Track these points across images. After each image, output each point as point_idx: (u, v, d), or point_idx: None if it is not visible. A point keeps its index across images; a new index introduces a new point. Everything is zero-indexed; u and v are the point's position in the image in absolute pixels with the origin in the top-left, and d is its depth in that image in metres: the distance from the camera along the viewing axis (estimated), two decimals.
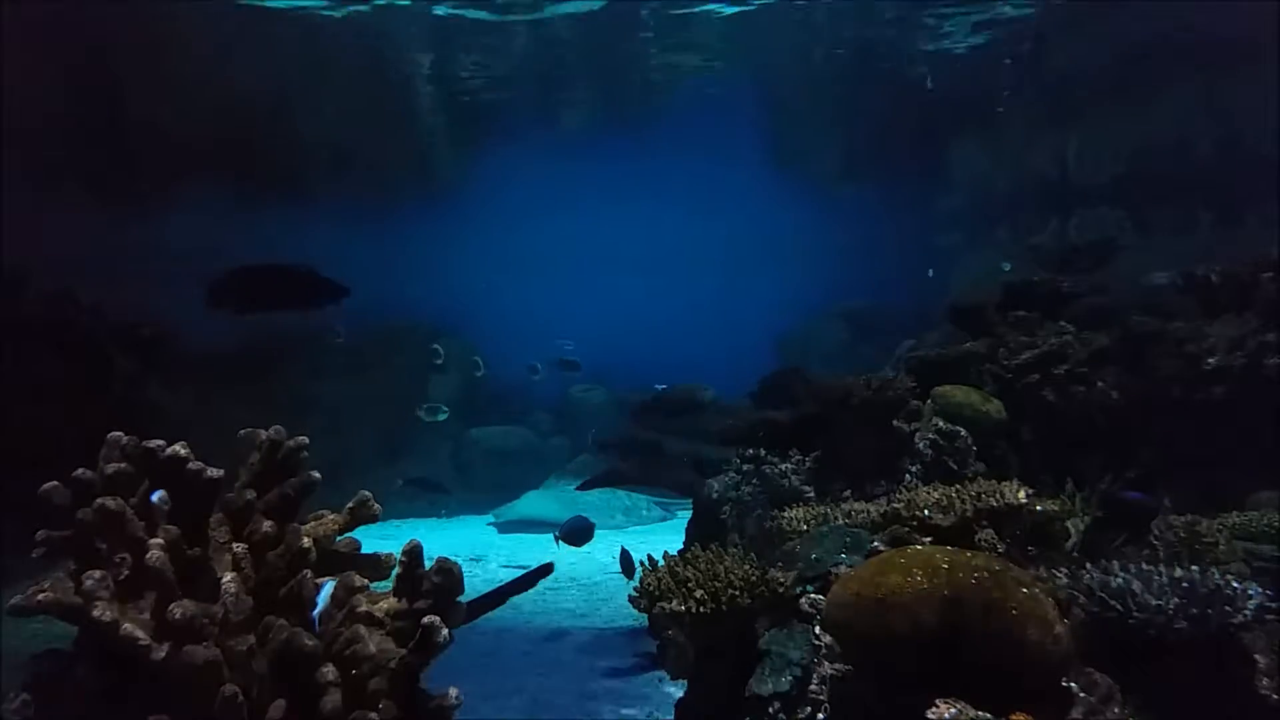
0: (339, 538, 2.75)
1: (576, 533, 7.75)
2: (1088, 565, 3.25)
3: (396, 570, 2.58)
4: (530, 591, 8.01)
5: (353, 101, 13.07)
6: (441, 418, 12.68)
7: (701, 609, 3.49)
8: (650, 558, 3.95)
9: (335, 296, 4.94)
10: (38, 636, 3.28)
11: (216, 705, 2.15)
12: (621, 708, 5.06)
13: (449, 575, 2.50)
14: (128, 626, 2.21)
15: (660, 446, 9.65)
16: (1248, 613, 2.84)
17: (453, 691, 2.42)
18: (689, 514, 11.72)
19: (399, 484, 11.38)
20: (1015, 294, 6.32)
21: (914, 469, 5.23)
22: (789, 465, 5.79)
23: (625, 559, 6.81)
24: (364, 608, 2.52)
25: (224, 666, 2.23)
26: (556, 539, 7.93)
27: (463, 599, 2.45)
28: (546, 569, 4.68)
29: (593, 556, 9.47)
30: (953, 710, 2.48)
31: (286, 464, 2.69)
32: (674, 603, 3.55)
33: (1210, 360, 5.53)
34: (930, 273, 11.39)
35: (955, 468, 5.11)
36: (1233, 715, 2.94)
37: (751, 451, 6.11)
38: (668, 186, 17.79)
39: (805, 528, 4.13)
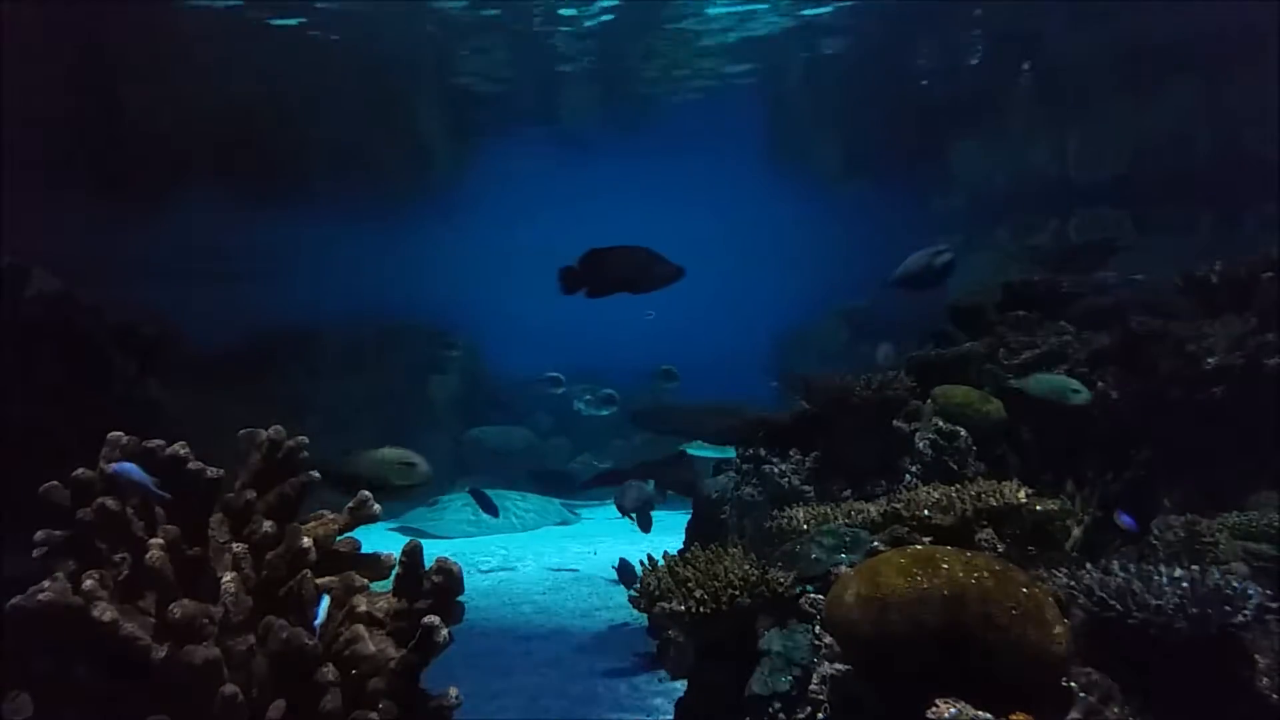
0: (339, 537, 2.75)
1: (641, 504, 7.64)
2: (1088, 565, 3.25)
3: (396, 570, 2.58)
4: (530, 591, 8.08)
5: (352, 101, 13.08)
6: (606, 412, 12.37)
7: (701, 609, 3.49)
8: (650, 557, 3.96)
9: (674, 278, 5.05)
10: None
11: (216, 705, 2.16)
12: (621, 708, 5.06)
13: (449, 575, 2.50)
14: (128, 626, 2.21)
15: (689, 411, 9.65)
16: (1248, 613, 2.84)
17: (453, 691, 2.43)
18: (601, 515, 11.87)
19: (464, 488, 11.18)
20: (1015, 294, 6.32)
21: (914, 469, 5.23)
22: (789, 465, 5.79)
23: (625, 569, 6.81)
24: (364, 607, 2.53)
25: (224, 666, 2.24)
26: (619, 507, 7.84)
27: None
28: None
29: (595, 557, 9.50)
30: (953, 710, 2.49)
31: (286, 464, 2.69)
32: (674, 603, 3.56)
33: (1210, 360, 5.52)
34: None
35: (955, 468, 5.11)
36: (1233, 715, 2.94)
37: (751, 451, 6.11)
38: (667, 186, 17.78)
39: (805, 528, 4.13)
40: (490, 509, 9.49)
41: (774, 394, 11.16)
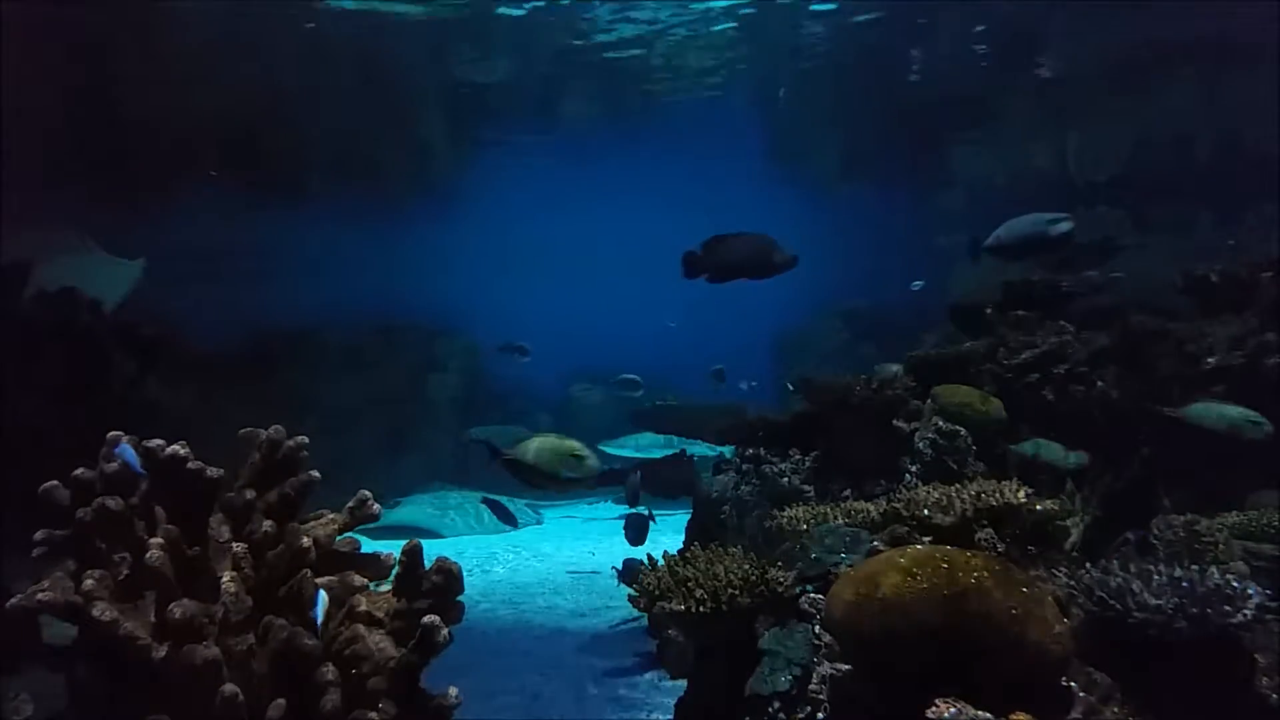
0: (339, 537, 2.75)
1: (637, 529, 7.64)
2: (1087, 564, 3.25)
3: (396, 570, 2.58)
4: (529, 591, 8.08)
5: (353, 101, 13.08)
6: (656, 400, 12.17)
7: (701, 608, 3.49)
8: (650, 557, 3.96)
9: (790, 266, 5.28)
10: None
11: (216, 705, 2.15)
12: (621, 707, 5.07)
13: (449, 575, 2.51)
14: (128, 626, 2.21)
15: (686, 411, 9.66)
16: (1248, 613, 2.84)
17: (452, 691, 2.43)
18: (559, 516, 11.90)
19: (479, 499, 11.17)
20: (1015, 294, 6.32)
21: (914, 468, 5.23)
22: (789, 465, 5.80)
23: (629, 569, 6.82)
24: (364, 607, 2.53)
25: (224, 666, 2.24)
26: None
27: None
28: None
29: (595, 558, 9.50)
30: (953, 710, 2.48)
31: (286, 464, 2.69)
32: (674, 602, 3.56)
33: (1210, 360, 5.53)
34: (918, 285, 11.21)
35: (955, 467, 5.11)
36: (1233, 715, 2.94)
37: (751, 451, 6.11)
38: (667, 186, 17.78)
39: (805, 527, 4.13)
40: (509, 519, 9.29)
41: (752, 393, 11.17)
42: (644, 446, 12.18)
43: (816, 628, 3.36)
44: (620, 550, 7.74)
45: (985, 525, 3.56)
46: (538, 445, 4.17)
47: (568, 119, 14.83)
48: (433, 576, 2.50)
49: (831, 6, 10.81)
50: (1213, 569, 3.06)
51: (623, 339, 16.03)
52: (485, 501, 10.12)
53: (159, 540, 2.34)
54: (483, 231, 19.03)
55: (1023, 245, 5.83)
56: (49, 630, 3.38)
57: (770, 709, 3.22)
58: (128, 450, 2.42)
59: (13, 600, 2.27)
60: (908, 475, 5.19)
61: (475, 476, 13.48)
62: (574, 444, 4.20)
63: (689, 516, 6.75)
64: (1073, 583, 3.12)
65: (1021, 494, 3.65)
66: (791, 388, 6.12)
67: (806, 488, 5.60)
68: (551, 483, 4.19)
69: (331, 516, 2.77)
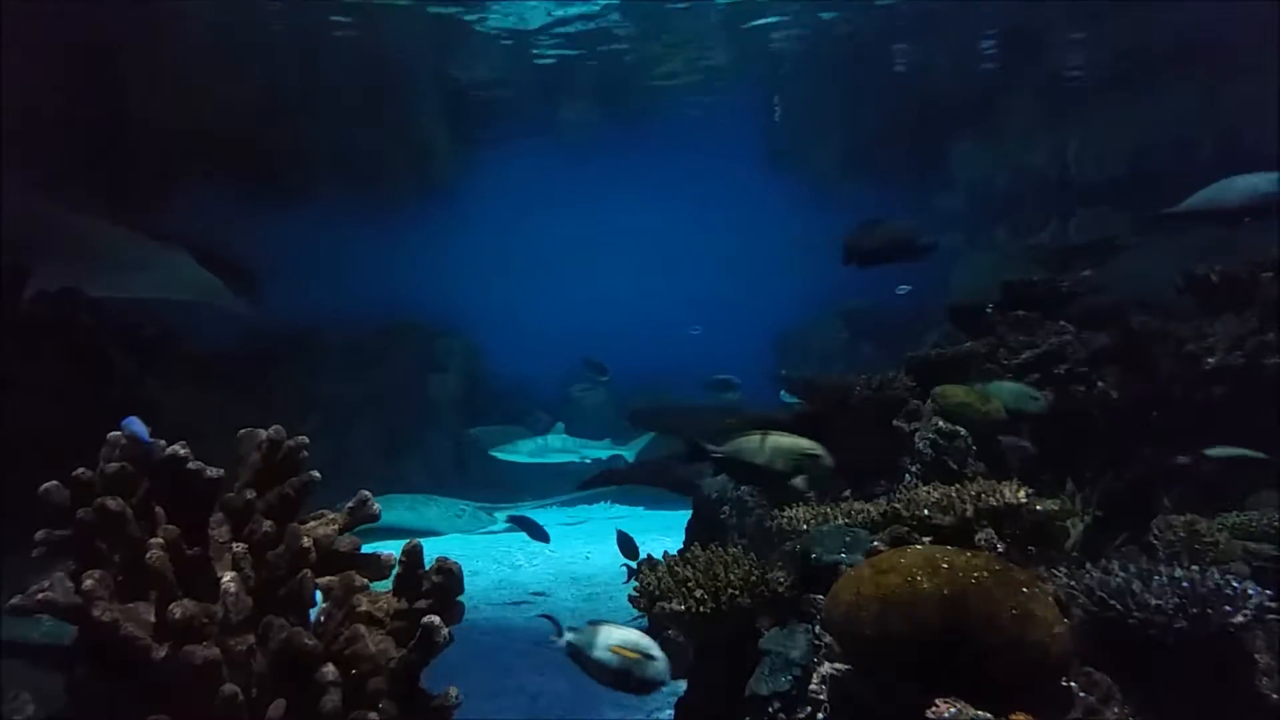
0: (339, 537, 2.74)
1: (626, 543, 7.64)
2: (1087, 565, 3.25)
3: (396, 570, 2.58)
4: (528, 591, 8.08)
5: (353, 101, 13.08)
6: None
7: (701, 609, 3.50)
8: (650, 557, 3.96)
9: (932, 250, 5.48)
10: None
11: (216, 705, 2.15)
12: (621, 708, 5.06)
13: (449, 575, 2.51)
14: (128, 626, 2.21)
15: (689, 411, 9.63)
16: (1248, 613, 2.84)
17: (453, 691, 2.43)
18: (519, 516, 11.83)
19: (504, 519, 11.07)
20: (1015, 294, 6.32)
21: (914, 469, 5.22)
22: None
23: (625, 541, 6.84)
24: (364, 607, 2.53)
25: (224, 666, 2.23)
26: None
27: None
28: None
29: (592, 558, 9.50)
30: (953, 710, 2.48)
31: (286, 464, 2.68)
32: (674, 602, 3.56)
33: (1210, 360, 5.53)
34: (904, 289, 11.15)
35: (955, 467, 5.10)
36: (1233, 715, 2.94)
37: None
38: (667, 186, 17.77)
39: (805, 527, 4.13)
40: (541, 535, 9.16)
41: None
42: (535, 451, 12.20)
43: (816, 628, 3.36)
44: (614, 553, 7.75)
45: (985, 525, 3.56)
46: (767, 444, 3.94)
47: (568, 119, 14.83)
48: (433, 576, 2.50)
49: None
50: (1213, 569, 3.07)
51: (623, 339, 16.01)
52: (512, 519, 9.93)
53: (159, 540, 2.34)
54: (483, 231, 19.01)
55: (1243, 208, 5.04)
56: (43, 629, 3.40)
57: (770, 709, 3.22)
58: (135, 422, 2.43)
59: (13, 600, 2.26)
60: (908, 475, 5.18)
61: (475, 477, 13.51)
62: (806, 442, 3.97)
63: (689, 516, 6.75)
64: (1073, 583, 3.12)
65: (1022, 494, 3.66)
66: (788, 389, 6.10)
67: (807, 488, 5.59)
68: (782, 481, 3.99)
69: (331, 516, 2.77)
